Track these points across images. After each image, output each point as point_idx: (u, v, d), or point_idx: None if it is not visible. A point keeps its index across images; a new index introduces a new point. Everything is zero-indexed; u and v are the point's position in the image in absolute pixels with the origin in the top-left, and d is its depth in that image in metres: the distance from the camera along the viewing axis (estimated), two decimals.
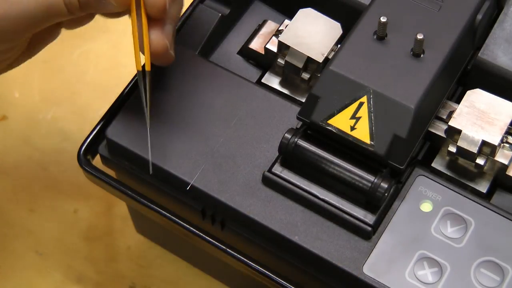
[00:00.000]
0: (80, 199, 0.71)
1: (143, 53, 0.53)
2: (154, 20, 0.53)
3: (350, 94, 0.51)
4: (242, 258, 0.53)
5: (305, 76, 0.56)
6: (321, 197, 0.52)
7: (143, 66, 0.53)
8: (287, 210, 0.52)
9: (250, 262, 0.53)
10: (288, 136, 0.52)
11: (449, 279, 0.50)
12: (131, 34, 0.53)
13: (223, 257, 0.54)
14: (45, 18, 0.52)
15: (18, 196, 0.71)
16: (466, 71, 0.55)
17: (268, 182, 0.53)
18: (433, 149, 0.55)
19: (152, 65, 0.53)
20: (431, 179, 0.52)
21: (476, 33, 0.54)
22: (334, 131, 0.51)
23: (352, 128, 0.51)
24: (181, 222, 0.54)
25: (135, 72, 0.58)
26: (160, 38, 0.53)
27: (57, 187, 0.71)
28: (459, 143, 0.52)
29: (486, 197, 0.53)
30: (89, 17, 0.57)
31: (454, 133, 0.52)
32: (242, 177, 0.53)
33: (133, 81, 0.58)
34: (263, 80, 0.58)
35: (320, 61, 0.55)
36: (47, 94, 0.75)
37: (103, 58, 0.76)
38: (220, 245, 0.53)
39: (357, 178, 0.51)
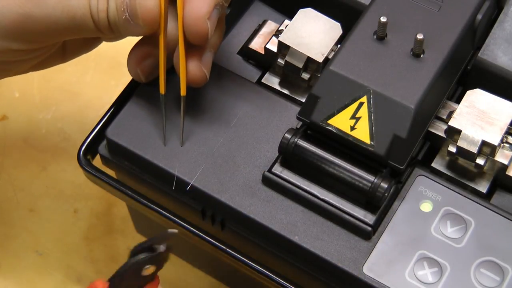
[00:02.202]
0: (80, 199, 0.71)
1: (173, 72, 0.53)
2: (194, 48, 0.52)
3: (350, 94, 0.51)
4: (242, 258, 0.53)
5: (305, 76, 0.56)
6: (321, 197, 0.52)
7: (165, 91, 0.53)
8: (287, 210, 0.52)
9: (250, 262, 0.53)
10: (288, 136, 0.52)
11: (449, 279, 0.50)
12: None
13: (223, 257, 0.54)
14: (71, 28, 0.51)
15: (18, 196, 0.71)
16: (466, 71, 0.55)
17: (268, 182, 0.53)
18: (433, 149, 0.55)
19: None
20: (431, 179, 0.52)
21: (476, 33, 0.54)
22: (334, 131, 0.51)
23: (352, 128, 0.51)
24: (181, 222, 0.54)
25: None
26: (199, 69, 0.53)
27: (57, 187, 0.71)
28: (459, 143, 0.52)
29: (486, 197, 0.53)
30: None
31: (454, 133, 0.52)
32: (242, 177, 0.53)
33: (133, 81, 0.58)
34: (263, 80, 0.58)
35: (320, 61, 0.55)
36: (47, 94, 0.75)
37: (103, 58, 0.76)
38: (220, 245, 0.53)
39: (357, 178, 0.51)
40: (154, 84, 0.55)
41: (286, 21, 0.58)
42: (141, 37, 0.54)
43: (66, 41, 0.57)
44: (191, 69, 0.53)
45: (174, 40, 0.52)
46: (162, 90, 0.54)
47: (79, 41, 0.58)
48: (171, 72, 0.54)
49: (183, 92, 0.53)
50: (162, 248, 0.45)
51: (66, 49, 0.57)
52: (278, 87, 0.58)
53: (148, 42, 0.53)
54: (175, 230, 0.46)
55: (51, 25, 0.51)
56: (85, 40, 0.58)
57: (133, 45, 0.54)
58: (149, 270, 0.46)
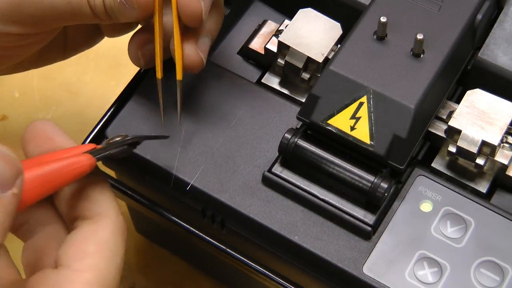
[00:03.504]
0: None
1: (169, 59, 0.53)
2: (189, 31, 0.52)
3: (350, 94, 0.51)
4: (242, 258, 0.53)
5: (305, 76, 0.56)
6: (321, 197, 0.52)
7: (159, 73, 0.53)
8: (287, 210, 0.52)
9: (250, 262, 0.53)
10: (288, 136, 0.52)
11: (449, 279, 0.50)
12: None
13: (223, 257, 0.54)
14: (67, 13, 0.51)
15: None
16: (466, 71, 0.55)
17: (268, 182, 0.53)
18: (433, 149, 0.55)
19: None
20: (431, 179, 0.52)
21: (476, 33, 0.54)
22: (334, 131, 0.51)
23: (352, 128, 0.51)
24: (181, 222, 0.54)
25: (135, 72, 0.58)
26: (194, 52, 0.52)
27: None
28: (459, 143, 0.52)
29: (486, 197, 0.53)
30: (128, 26, 0.56)
31: (454, 133, 0.52)
32: (242, 177, 0.53)
33: (133, 81, 0.58)
34: (263, 80, 0.58)
35: (320, 61, 0.55)
36: (47, 94, 0.75)
37: (103, 58, 0.76)
38: (220, 245, 0.53)
39: (357, 178, 0.51)
40: (154, 84, 0.55)
41: (286, 21, 0.58)
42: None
43: (67, 35, 0.57)
44: (187, 53, 0.52)
45: (172, 25, 0.52)
46: (158, 74, 0.53)
47: (80, 36, 0.58)
48: (171, 62, 0.54)
49: (179, 76, 0.53)
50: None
51: (67, 44, 0.57)
52: (278, 87, 0.58)
53: (150, 28, 0.53)
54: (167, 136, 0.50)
55: (47, 9, 0.50)
56: (86, 35, 0.58)
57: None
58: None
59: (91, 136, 0.57)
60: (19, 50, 0.54)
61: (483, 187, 0.53)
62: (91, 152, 0.46)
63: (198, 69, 0.53)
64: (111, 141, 0.48)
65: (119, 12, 0.51)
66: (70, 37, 0.57)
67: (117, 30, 0.57)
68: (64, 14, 0.51)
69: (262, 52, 0.58)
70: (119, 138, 0.48)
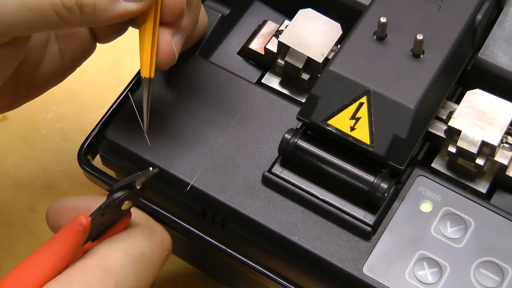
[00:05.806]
0: None
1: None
2: (166, 27, 0.50)
3: (350, 94, 0.51)
4: (242, 258, 0.53)
5: (305, 76, 0.56)
6: (321, 197, 0.52)
7: (139, 72, 0.52)
8: (287, 210, 0.52)
9: (250, 262, 0.53)
10: (288, 136, 0.52)
11: (449, 279, 0.50)
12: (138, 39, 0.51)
13: (223, 257, 0.54)
14: (33, 24, 0.47)
15: (18, 196, 0.71)
16: (466, 71, 0.55)
17: (268, 182, 0.53)
18: (433, 149, 0.55)
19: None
20: (431, 179, 0.53)
21: (476, 33, 0.55)
22: (334, 131, 0.51)
23: (352, 129, 0.51)
24: (181, 222, 0.54)
25: (135, 72, 0.58)
26: (169, 47, 0.50)
27: (57, 187, 0.71)
28: (459, 144, 0.52)
29: (486, 197, 0.53)
30: (120, 29, 0.54)
31: (454, 133, 0.52)
32: (242, 177, 0.53)
33: (133, 81, 0.58)
34: (263, 80, 0.58)
35: (320, 61, 0.55)
36: (47, 94, 0.75)
37: (103, 58, 0.76)
38: (220, 245, 0.53)
39: (357, 178, 0.51)
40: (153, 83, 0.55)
41: (286, 21, 0.58)
42: None
43: (62, 53, 0.56)
44: (161, 45, 0.50)
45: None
46: (151, 73, 0.51)
47: (76, 50, 0.57)
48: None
49: (151, 73, 0.51)
50: (138, 186, 0.48)
51: (63, 61, 0.56)
52: (278, 87, 0.58)
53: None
54: (156, 170, 0.48)
55: (9, 19, 0.46)
56: (81, 48, 0.57)
57: (133, 44, 0.54)
58: (126, 205, 0.49)
59: (91, 136, 0.57)
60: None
61: (483, 187, 0.53)
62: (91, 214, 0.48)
63: (169, 66, 0.51)
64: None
65: (109, 10, 0.47)
66: (65, 55, 0.56)
67: (108, 35, 0.56)
68: (30, 24, 0.47)
69: (262, 52, 0.58)
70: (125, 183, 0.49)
